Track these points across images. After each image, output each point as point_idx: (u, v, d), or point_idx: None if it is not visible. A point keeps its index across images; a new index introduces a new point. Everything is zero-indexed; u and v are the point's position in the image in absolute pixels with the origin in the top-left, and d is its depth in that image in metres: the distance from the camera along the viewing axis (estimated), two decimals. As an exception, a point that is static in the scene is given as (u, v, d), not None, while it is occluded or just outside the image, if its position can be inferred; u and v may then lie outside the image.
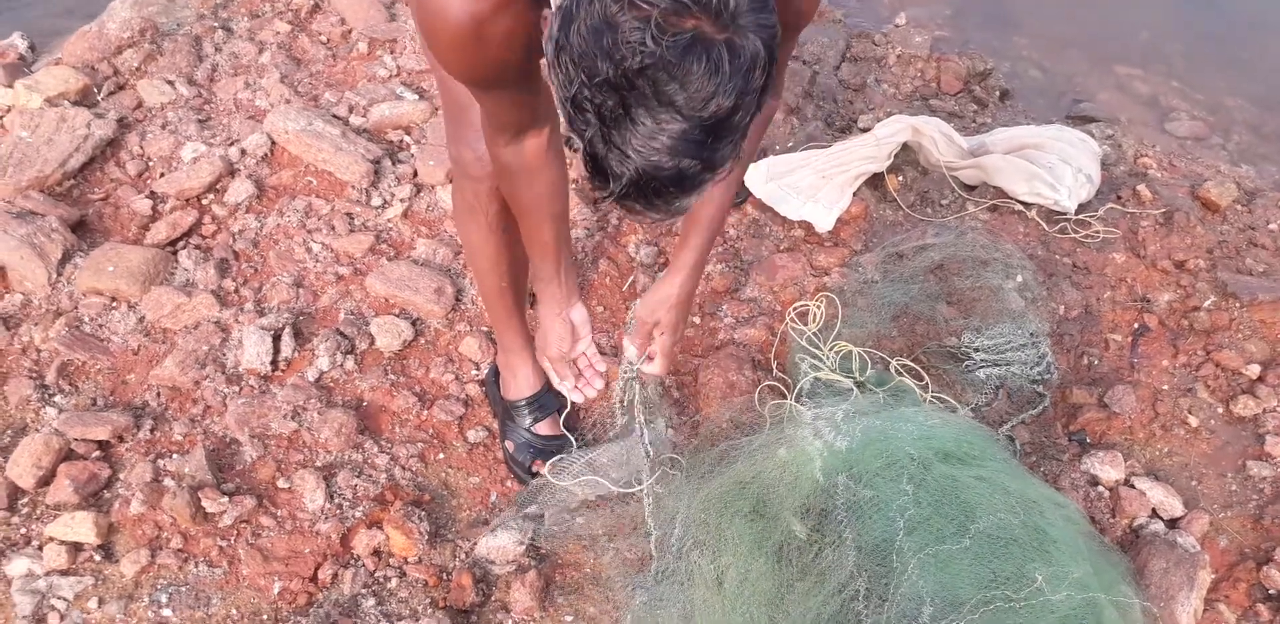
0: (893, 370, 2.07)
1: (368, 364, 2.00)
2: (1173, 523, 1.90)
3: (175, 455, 1.81)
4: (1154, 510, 1.90)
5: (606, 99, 0.90)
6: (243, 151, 2.37)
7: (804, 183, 2.48)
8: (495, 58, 1.19)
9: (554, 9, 0.95)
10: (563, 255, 1.60)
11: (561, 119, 1.04)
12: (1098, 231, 2.53)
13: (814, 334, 2.16)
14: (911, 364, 2.10)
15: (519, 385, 1.91)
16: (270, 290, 2.10)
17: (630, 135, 0.91)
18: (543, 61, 1.03)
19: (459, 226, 1.73)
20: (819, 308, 2.19)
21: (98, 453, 1.79)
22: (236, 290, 2.09)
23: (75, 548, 1.66)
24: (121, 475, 1.77)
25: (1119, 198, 2.72)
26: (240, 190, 2.27)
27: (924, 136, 2.61)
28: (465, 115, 1.52)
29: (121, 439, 1.82)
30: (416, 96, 2.65)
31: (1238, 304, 2.37)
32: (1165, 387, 2.18)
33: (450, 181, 2.39)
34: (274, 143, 2.39)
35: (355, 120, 2.54)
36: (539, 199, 1.50)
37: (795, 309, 2.19)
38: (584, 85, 0.90)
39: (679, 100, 0.89)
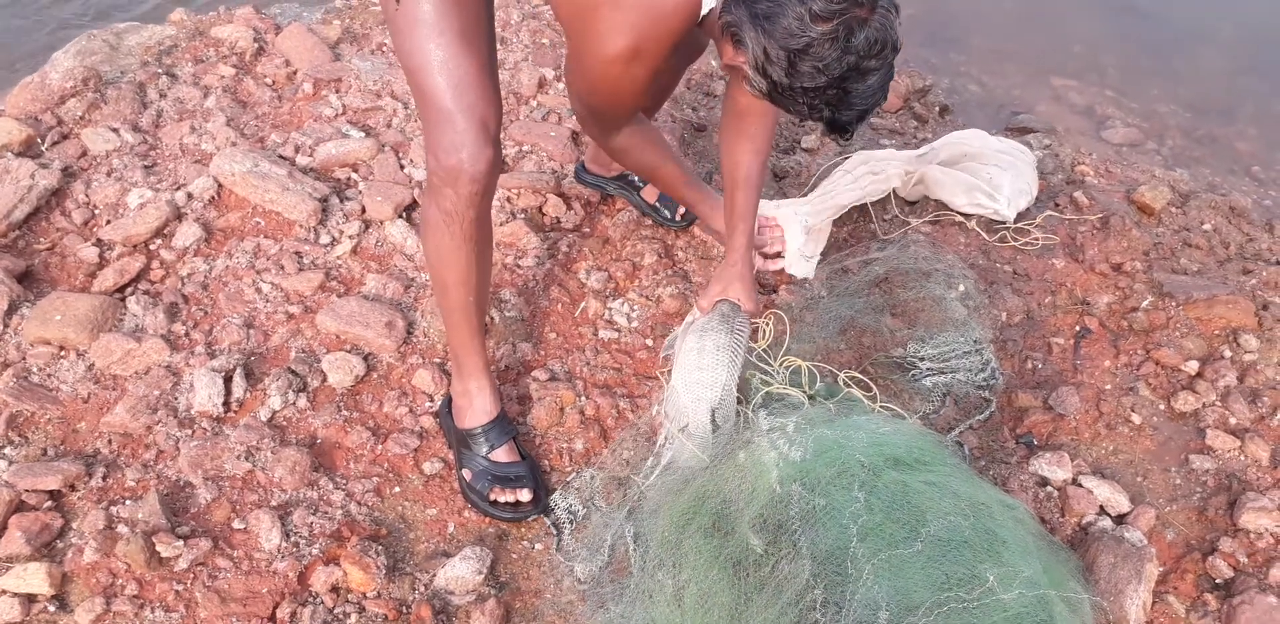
0: (841, 382, 2.10)
1: (320, 401, 2.01)
2: (1120, 519, 1.93)
3: (128, 501, 1.80)
4: (1102, 507, 1.94)
5: (828, 94, 1.34)
6: (189, 195, 2.38)
7: (794, 244, 2.44)
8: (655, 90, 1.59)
9: (752, 61, 1.34)
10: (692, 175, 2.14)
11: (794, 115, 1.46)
12: (1037, 239, 2.59)
13: (764, 351, 2.19)
14: (860, 376, 2.14)
15: (475, 413, 1.92)
16: (220, 332, 2.11)
17: (853, 100, 1.36)
18: None
19: (428, 241, 1.75)
20: (768, 325, 2.22)
21: (49, 503, 1.78)
22: (187, 334, 2.10)
23: (29, 600, 1.64)
24: (74, 524, 1.76)
25: (1057, 205, 2.80)
26: (188, 234, 2.28)
27: (893, 178, 2.64)
28: (450, 121, 1.59)
29: (73, 488, 1.81)
30: (363, 134, 2.68)
31: (1174, 303, 2.44)
32: (1108, 386, 2.23)
33: (399, 216, 2.42)
34: (220, 185, 2.41)
35: (302, 160, 2.56)
36: (662, 146, 2.01)
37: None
38: (812, 96, 1.35)
39: (870, 65, 1.32)
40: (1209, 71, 4.26)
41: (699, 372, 1.91)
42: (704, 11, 1.42)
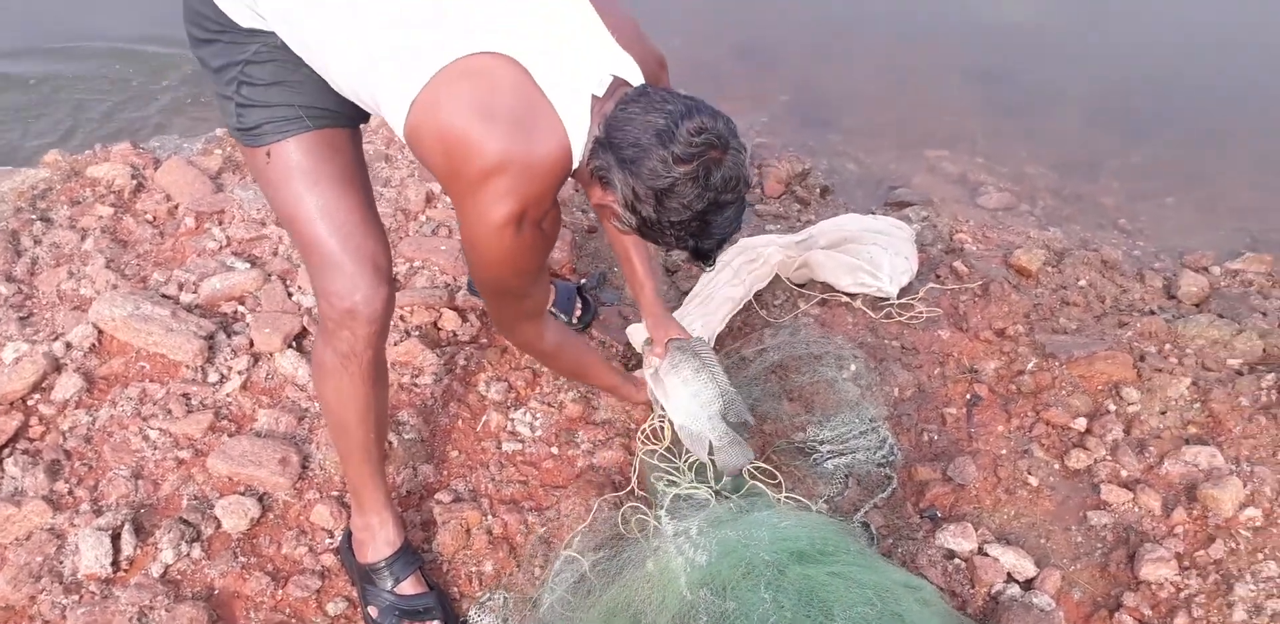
0: (746, 475, 2.12)
1: (216, 549, 1.95)
2: (1028, 584, 1.96)
3: (14, 679, 1.71)
4: (1009, 574, 1.97)
5: (692, 226, 1.47)
6: (68, 345, 2.33)
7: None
8: (549, 247, 1.64)
9: (621, 200, 1.45)
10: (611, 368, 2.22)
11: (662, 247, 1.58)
12: (921, 312, 2.68)
13: (668, 450, 2.21)
14: (764, 464, 2.16)
15: (378, 546, 1.88)
16: (107, 486, 2.04)
17: (713, 230, 1.49)
18: None
19: (325, 384, 1.74)
20: (668, 425, 2.24)
21: (-73, 691, 1.68)
22: (70, 492, 2.03)
23: None
24: (-45, 712, 1.66)
25: (938, 276, 2.90)
26: (68, 386, 2.23)
27: (774, 264, 2.73)
28: (339, 266, 1.61)
29: (-47, 671, 1.72)
30: (248, 265, 2.68)
31: (1057, 363, 2.53)
32: (1003, 451, 2.29)
33: (289, 346, 2.40)
34: (101, 332, 2.37)
35: (186, 297, 2.54)
36: (577, 344, 2.11)
37: (644, 430, 2.24)
38: (679, 228, 1.47)
39: (727, 199, 1.46)
40: (1068, 129, 4.51)
41: (694, 398, 2.05)
42: (575, 165, 1.48)
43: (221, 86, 1.59)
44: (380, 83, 1.45)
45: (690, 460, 2.16)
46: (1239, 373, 2.58)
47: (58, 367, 2.29)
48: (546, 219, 1.55)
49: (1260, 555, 2.05)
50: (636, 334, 2.42)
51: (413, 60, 1.40)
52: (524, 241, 1.53)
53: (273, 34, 1.52)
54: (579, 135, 1.46)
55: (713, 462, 2.06)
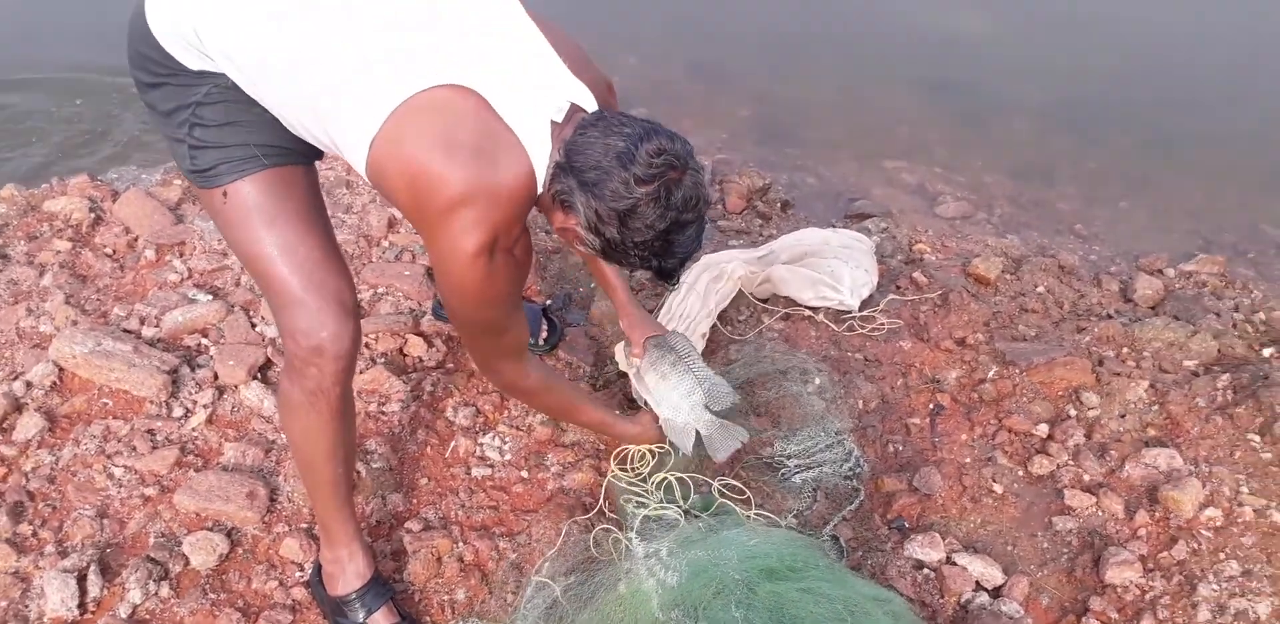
0: (715, 493, 2.13)
1: (184, 587, 1.93)
2: (996, 591, 1.99)
3: (-19, 728, 1.68)
4: (978, 583, 2.00)
5: (655, 246, 1.50)
6: (28, 384, 2.31)
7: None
8: (523, 276, 1.65)
9: (584, 222, 1.47)
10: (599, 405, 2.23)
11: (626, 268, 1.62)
12: (882, 324, 2.72)
13: (638, 471, 2.21)
14: (734, 481, 2.18)
15: (348, 579, 1.87)
16: (72, 527, 2.02)
17: (675, 249, 1.52)
18: None
19: (293, 422, 1.74)
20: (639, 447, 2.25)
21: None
22: (34, 534, 2.00)
23: None
24: None
25: (898, 287, 2.94)
26: (29, 426, 2.20)
27: (738, 278, 2.75)
28: (303, 304, 1.61)
29: (-82, 722, 1.69)
30: (210, 297, 2.66)
31: (1017, 370, 2.57)
32: (968, 460, 2.32)
33: (253, 378, 2.39)
34: (62, 369, 2.35)
35: (148, 331, 2.52)
36: (562, 382, 2.18)
37: (617, 454, 2.25)
38: (642, 248, 1.50)
39: (688, 218, 1.49)
40: (1023, 137, 4.59)
41: (674, 391, 2.12)
42: (540, 190, 1.50)
43: (173, 129, 1.59)
44: (337, 120, 1.46)
45: (659, 480, 2.17)
46: (1195, 374, 2.64)
47: (18, 406, 2.26)
48: (518, 246, 1.57)
49: (1222, 555, 2.09)
50: (621, 352, 2.37)
51: (370, 96, 1.41)
52: (498, 269, 1.54)
53: (222, 75, 1.52)
54: (541, 161, 1.48)
55: (701, 455, 2.14)
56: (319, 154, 1.68)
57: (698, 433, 2.13)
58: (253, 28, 1.47)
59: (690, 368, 2.13)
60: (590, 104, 1.54)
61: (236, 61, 1.48)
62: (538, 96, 1.48)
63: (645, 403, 2.23)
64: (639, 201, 1.44)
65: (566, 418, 2.29)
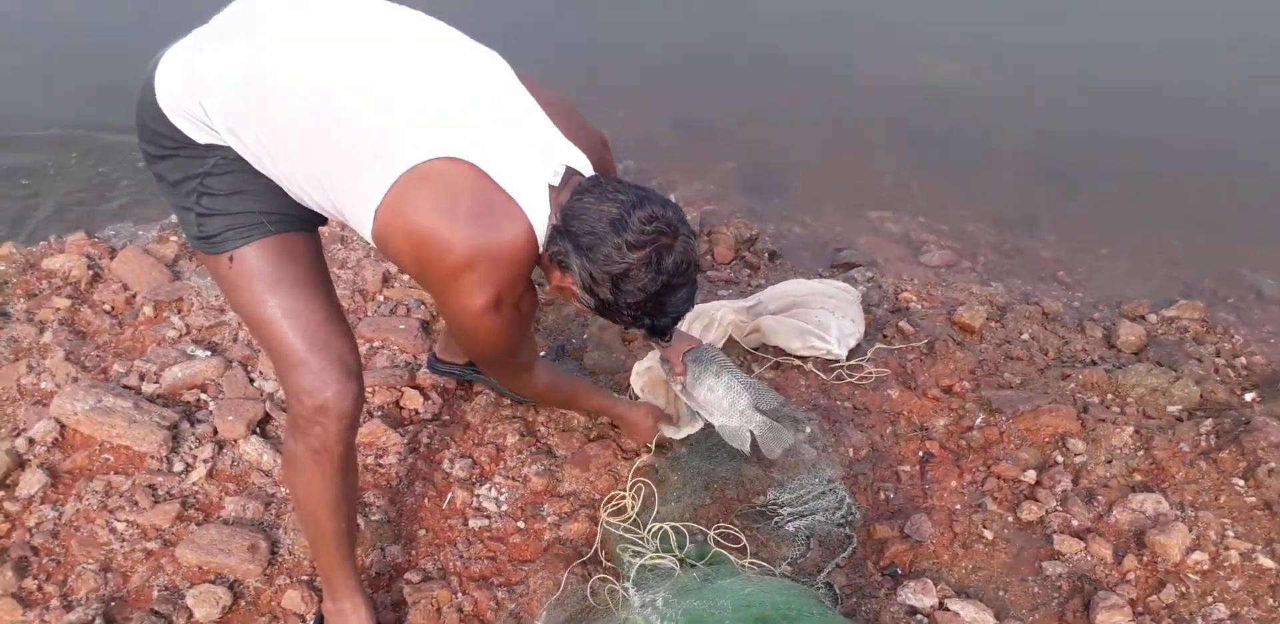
0: (710, 541, 2.17)
1: (187, 640, 1.95)
2: (990, 638, 2.02)
3: None
4: (970, 630, 2.02)
5: (647, 306, 1.59)
6: (31, 441, 2.34)
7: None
8: (529, 320, 1.75)
9: (580, 283, 1.57)
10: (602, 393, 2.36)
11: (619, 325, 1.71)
12: (870, 373, 2.77)
13: (632, 521, 2.25)
14: (728, 527, 2.21)
15: (350, 631, 1.90)
16: (76, 581, 2.04)
17: (667, 310, 1.62)
18: None
19: (297, 479, 1.77)
20: (634, 497, 2.29)
21: None
22: (39, 588, 2.02)
23: None
24: None
25: (885, 336, 3.00)
26: (32, 482, 2.23)
27: (727, 325, 2.82)
28: (306, 365, 1.66)
29: None
30: (209, 353, 2.71)
31: (1004, 418, 2.62)
32: (958, 506, 2.36)
33: (252, 432, 2.43)
34: (63, 426, 2.38)
35: (148, 387, 2.56)
36: (573, 376, 2.35)
37: (612, 505, 2.28)
38: (634, 309, 1.59)
39: (679, 281, 1.59)
40: (1005, 186, 4.68)
41: (724, 399, 2.19)
42: (541, 250, 1.58)
43: (180, 198, 1.64)
44: (345, 193, 1.52)
45: (655, 529, 2.20)
46: (1179, 419, 2.69)
47: (21, 463, 2.29)
48: (523, 301, 1.67)
49: (1209, 598, 2.13)
50: (636, 377, 2.46)
51: (372, 168, 1.48)
52: (505, 321, 1.64)
53: (229, 147, 1.58)
54: (540, 223, 1.56)
55: (756, 457, 2.24)
56: (322, 220, 1.75)
57: (753, 434, 2.20)
58: (258, 106, 1.53)
59: (734, 375, 2.21)
60: (585, 167, 1.62)
61: (243, 137, 1.55)
62: (532, 163, 1.56)
63: (695, 414, 2.31)
64: (631, 266, 1.53)
65: (573, 408, 2.46)
